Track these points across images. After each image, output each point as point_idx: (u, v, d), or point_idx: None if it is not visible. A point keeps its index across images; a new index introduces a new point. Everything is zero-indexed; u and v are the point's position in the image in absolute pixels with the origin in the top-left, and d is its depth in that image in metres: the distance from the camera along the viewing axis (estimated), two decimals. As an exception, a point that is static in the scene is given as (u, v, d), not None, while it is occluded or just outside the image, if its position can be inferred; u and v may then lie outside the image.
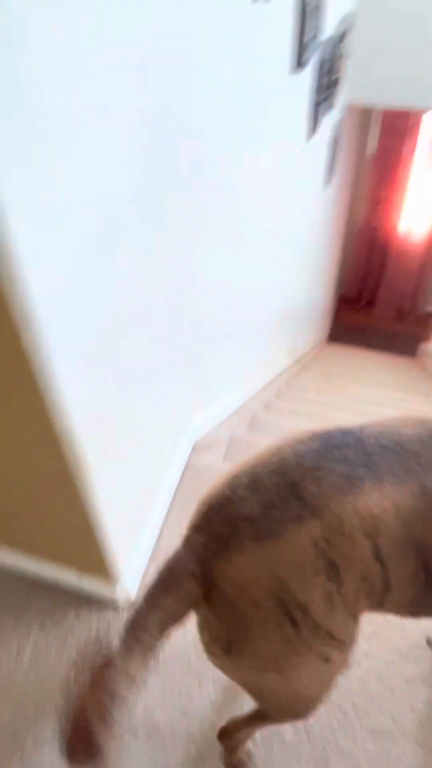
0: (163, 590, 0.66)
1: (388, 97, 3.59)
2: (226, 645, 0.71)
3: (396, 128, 5.55)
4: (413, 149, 5.68)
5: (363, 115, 5.01)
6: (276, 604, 0.64)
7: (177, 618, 0.67)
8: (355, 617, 0.71)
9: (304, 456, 0.69)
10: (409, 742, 1.20)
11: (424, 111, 3.97)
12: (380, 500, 0.64)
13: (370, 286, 6.70)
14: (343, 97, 3.53)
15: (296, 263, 3.14)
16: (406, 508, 0.65)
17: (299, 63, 2.08)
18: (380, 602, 0.72)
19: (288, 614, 0.64)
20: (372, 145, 5.82)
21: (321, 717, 1.22)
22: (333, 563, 0.64)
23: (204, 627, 0.74)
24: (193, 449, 1.94)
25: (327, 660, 0.72)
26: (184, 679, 1.27)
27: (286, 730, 1.20)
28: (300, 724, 1.21)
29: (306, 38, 2.08)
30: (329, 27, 2.45)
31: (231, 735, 1.05)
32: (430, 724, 1.22)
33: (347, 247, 6.29)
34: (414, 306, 6.60)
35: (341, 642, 0.71)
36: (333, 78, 2.79)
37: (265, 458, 0.71)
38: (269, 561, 0.63)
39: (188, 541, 0.70)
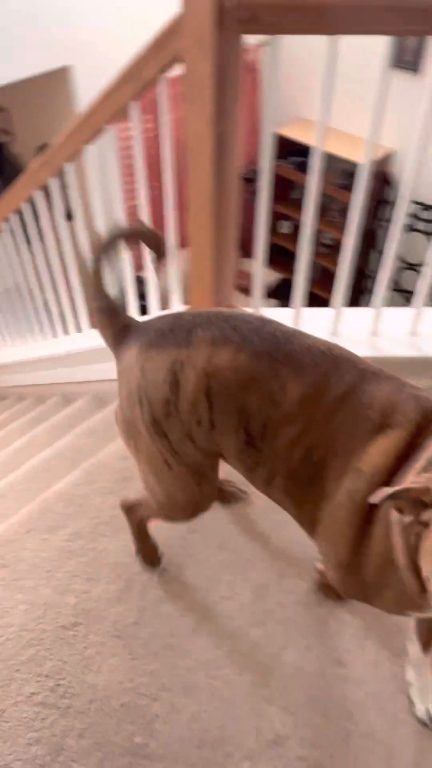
0: (98, 318, 1.02)
1: None
2: (120, 416, 0.99)
3: None
4: None
5: None
6: (137, 388, 0.91)
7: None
8: (192, 441, 0.91)
9: (209, 315, 0.92)
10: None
11: None
12: (230, 359, 0.84)
13: None
14: None
15: None
16: (245, 374, 0.84)
17: None
18: (210, 439, 0.91)
19: (140, 400, 0.90)
20: None
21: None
22: (177, 380, 0.87)
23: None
24: None
25: (169, 467, 0.95)
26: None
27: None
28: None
29: None
30: None
31: (132, 509, 1.25)
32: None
33: None
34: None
35: (183, 460, 0.94)
36: None
37: (193, 310, 0.96)
38: (145, 359, 0.90)
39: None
